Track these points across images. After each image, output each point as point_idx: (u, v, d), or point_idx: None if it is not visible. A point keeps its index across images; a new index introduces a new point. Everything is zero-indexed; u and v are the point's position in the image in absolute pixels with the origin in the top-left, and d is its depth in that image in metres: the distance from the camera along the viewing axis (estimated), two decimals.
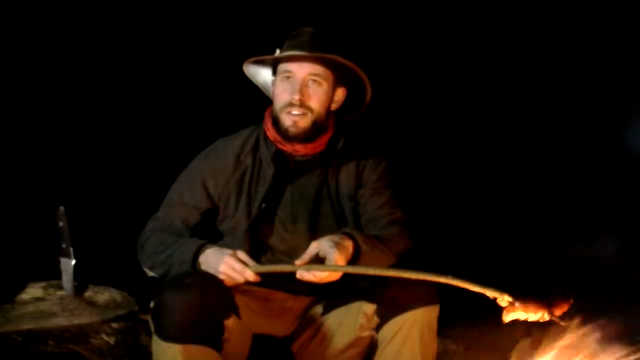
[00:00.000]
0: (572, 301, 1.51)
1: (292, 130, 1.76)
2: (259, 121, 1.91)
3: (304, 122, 1.76)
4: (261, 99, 1.96)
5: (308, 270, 1.56)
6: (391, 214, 1.86)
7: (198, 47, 3.47)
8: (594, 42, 3.63)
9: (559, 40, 3.69)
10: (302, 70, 1.74)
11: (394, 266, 1.73)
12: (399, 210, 1.88)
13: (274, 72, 1.83)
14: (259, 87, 1.95)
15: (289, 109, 1.75)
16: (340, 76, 1.81)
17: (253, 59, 1.84)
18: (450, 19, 3.70)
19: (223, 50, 3.42)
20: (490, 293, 1.49)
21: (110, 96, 3.39)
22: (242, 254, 1.62)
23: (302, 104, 1.74)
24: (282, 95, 1.76)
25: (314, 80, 1.76)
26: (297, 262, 1.59)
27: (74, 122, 3.29)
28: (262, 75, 1.92)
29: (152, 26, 3.40)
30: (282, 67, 1.77)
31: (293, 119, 1.75)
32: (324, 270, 1.56)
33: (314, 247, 1.61)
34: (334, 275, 1.59)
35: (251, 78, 1.93)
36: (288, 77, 1.76)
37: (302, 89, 1.74)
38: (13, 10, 3.12)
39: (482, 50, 3.73)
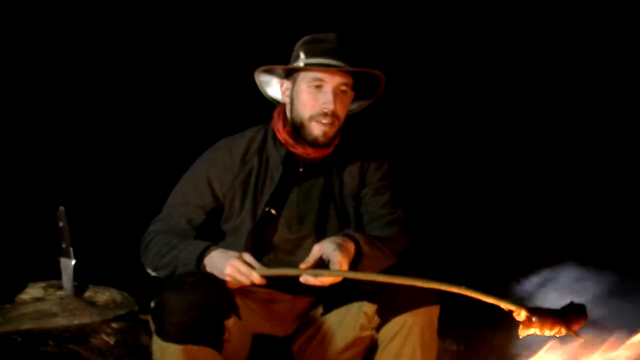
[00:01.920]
0: (588, 316, 1.49)
1: (322, 139, 1.75)
2: (261, 121, 1.90)
3: (332, 131, 1.76)
4: (261, 99, 1.96)
5: (315, 275, 1.56)
6: (392, 214, 1.86)
7: (199, 47, 3.46)
8: (594, 42, 3.63)
9: (559, 41, 3.69)
10: (334, 80, 1.73)
11: (396, 266, 1.73)
12: (400, 210, 1.88)
13: (287, 75, 1.81)
14: (257, 82, 1.90)
15: (319, 119, 1.74)
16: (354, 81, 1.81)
17: (282, 66, 1.81)
18: (451, 19, 3.70)
19: (224, 51, 3.42)
20: (505, 305, 1.48)
21: (110, 96, 3.39)
22: (248, 257, 1.61)
23: (333, 114, 1.74)
24: (311, 103, 1.74)
25: (343, 90, 1.76)
26: (302, 265, 1.59)
27: (74, 122, 3.29)
28: (262, 75, 1.90)
29: (154, 26, 3.40)
30: (310, 74, 1.74)
31: (323, 129, 1.74)
32: (330, 276, 1.56)
33: (317, 250, 1.61)
34: (337, 278, 1.59)
35: (257, 79, 1.89)
36: (319, 86, 1.74)
37: (335, 98, 1.73)
38: (13, 10, 3.11)
39: (483, 51, 3.73)
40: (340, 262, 1.56)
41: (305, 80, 1.75)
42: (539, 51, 3.72)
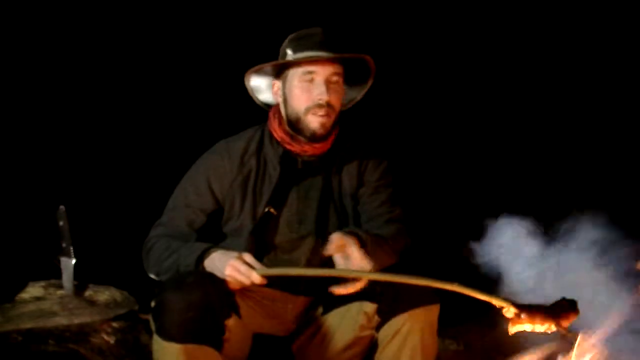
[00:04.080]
0: (579, 312, 1.50)
1: (320, 131, 1.75)
2: (258, 122, 1.90)
3: (329, 122, 1.76)
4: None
5: (338, 274, 1.58)
6: (390, 212, 1.86)
7: (198, 49, 3.47)
8: (594, 43, 3.64)
9: (559, 40, 3.69)
10: (325, 70, 1.73)
11: (395, 265, 1.73)
12: (398, 208, 1.89)
13: (277, 75, 1.81)
14: (248, 89, 1.90)
15: (315, 110, 1.73)
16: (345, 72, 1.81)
17: (272, 63, 1.80)
18: (449, 18, 3.70)
19: (222, 53, 3.42)
20: (496, 302, 1.49)
21: (110, 96, 3.39)
22: (248, 257, 1.61)
23: (328, 104, 1.74)
24: (305, 96, 1.74)
25: (335, 80, 1.76)
26: (325, 252, 1.60)
27: (74, 122, 3.29)
28: (252, 80, 1.88)
29: (153, 27, 3.40)
30: (302, 69, 1.74)
31: (320, 121, 1.74)
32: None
33: (337, 238, 1.61)
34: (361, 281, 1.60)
35: (247, 85, 1.88)
36: (311, 79, 1.74)
37: (328, 88, 1.73)
38: (13, 10, 3.12)
39: (482, 50, 3.73)
40: (360, 258, 1.58)
41: (296, 75, 1.75)
42: (535, 45, 3.72)
